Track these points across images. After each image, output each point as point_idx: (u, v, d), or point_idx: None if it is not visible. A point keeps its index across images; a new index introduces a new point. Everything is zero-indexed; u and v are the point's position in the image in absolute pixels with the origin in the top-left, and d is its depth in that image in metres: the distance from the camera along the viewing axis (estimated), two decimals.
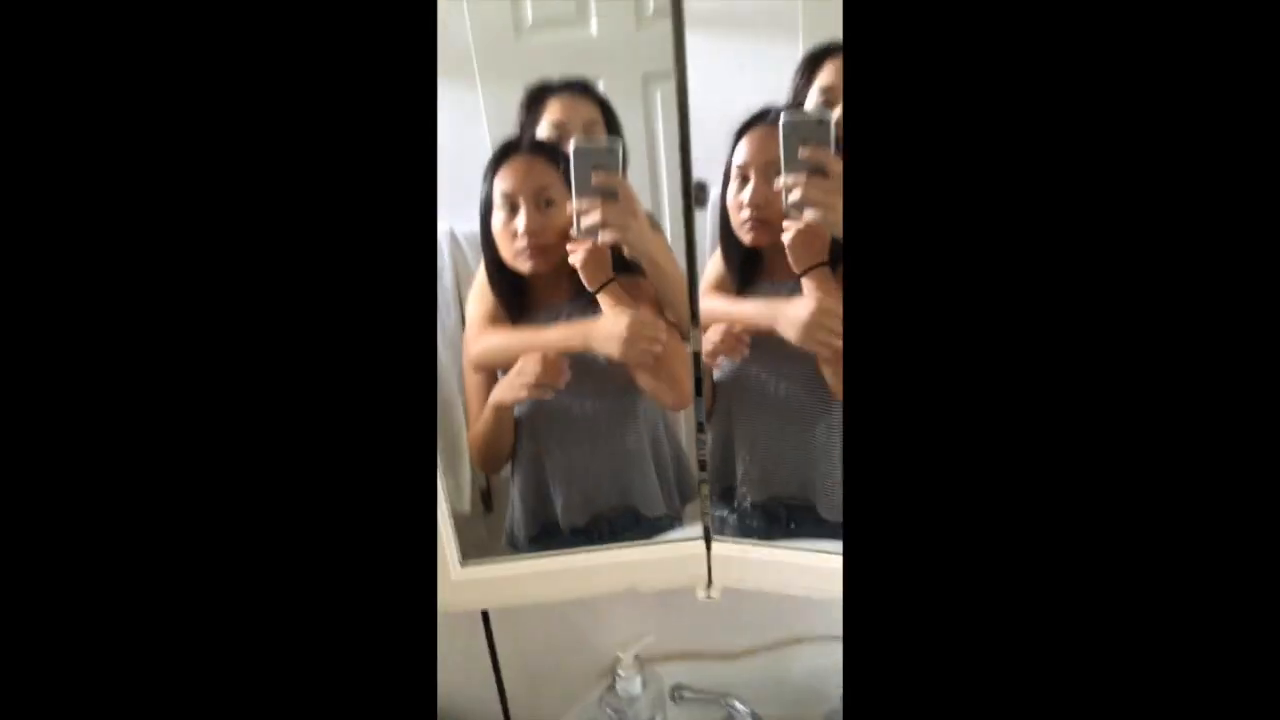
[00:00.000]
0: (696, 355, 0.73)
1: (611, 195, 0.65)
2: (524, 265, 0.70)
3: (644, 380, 0.73)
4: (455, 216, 0.72)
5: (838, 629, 0.87)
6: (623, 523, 0.78)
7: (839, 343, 0.66)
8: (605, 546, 0.77)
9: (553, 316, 0.73)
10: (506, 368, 0.74)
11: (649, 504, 0.77)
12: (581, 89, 0.71)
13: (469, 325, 0.75)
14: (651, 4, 0.66)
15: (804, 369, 0.70)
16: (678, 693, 0.89)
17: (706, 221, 0.70)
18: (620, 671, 0.84)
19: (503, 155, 0.70)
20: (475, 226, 0.72)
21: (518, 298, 0.73)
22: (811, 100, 0.65)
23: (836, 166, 0.61)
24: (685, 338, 0.72)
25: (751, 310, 0.71)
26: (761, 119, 0.66)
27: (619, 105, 0.69)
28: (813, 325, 0.67)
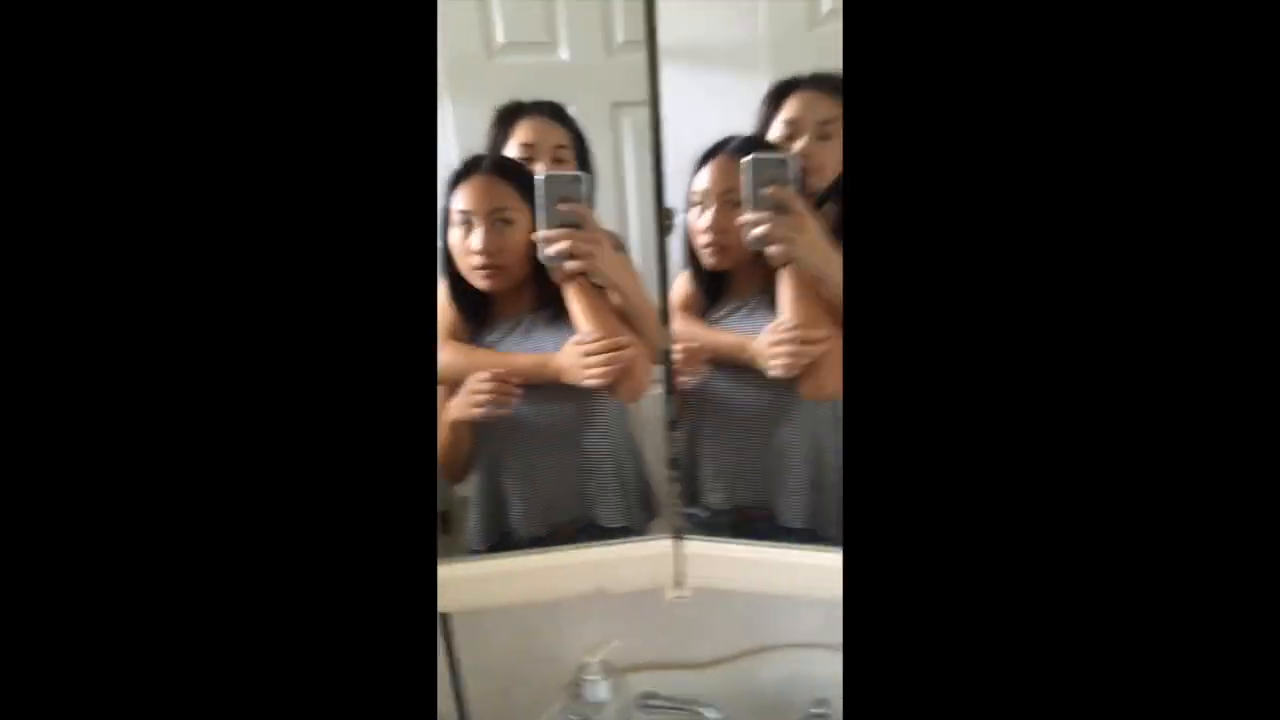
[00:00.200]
0: (667, 353, 0.74)
1: (577, 224, 0.67)
2: (481, 283, 0.71)
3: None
4: None
5: (806, 636, 0.90)
6: (583, 535, 0.79)
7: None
8: (572, 546, 0.78)
9: (513, 327, 0.74)
10: (463, 382, 0.74)
11: (608, 515, 0.78)
12: (553, 112, 0.72)
13: None
14: (621, 34, 0.67)
15: (762, 376, 0.72)
16: (646, 701, 0.91)
17: (675, 245, 0.72)
18: (587, 677, 0.85)
19: (464, 173, 0.70)
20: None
21: (478, 310, 0.74)
22: (775, 131, 0.67)
23: (798, 203, 0.63)
24: (652, 356, 0.74)
25: (725, 341, 0.73)
26: (721, 149, 0.68)
27: (588, 131, 0.70)
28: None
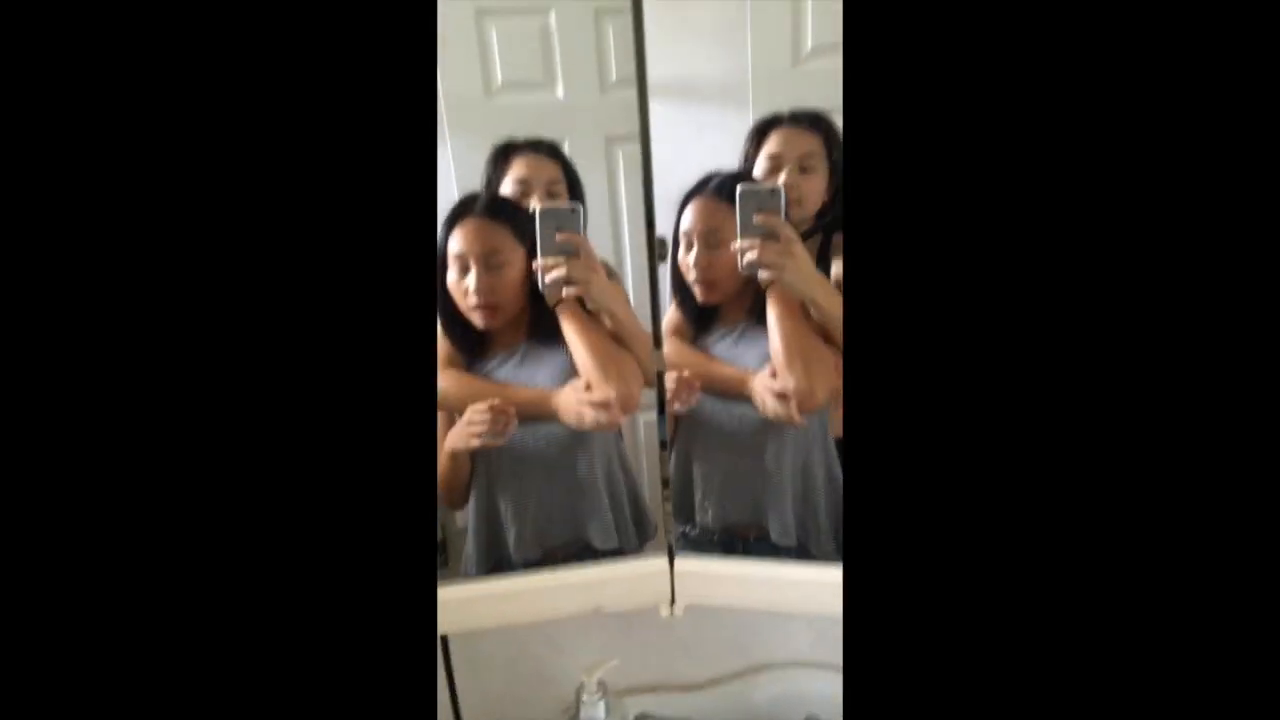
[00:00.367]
0: (660, 374, 0.77)
1: (574, 253, 0.70)
2: (479, 322, 0.74)
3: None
4: None
5: (799, 655, 0.91)
6: (578, 557, 0.80)
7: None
8: (567, 566, 0.79)
9: (509, 356, 0.77)
10: (462, 410, 0.76)
11: (602, 537, 0.80)
12: (545, 149, 0.75)
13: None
14: (615, 72, 0.71)
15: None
16: None
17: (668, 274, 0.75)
18: (584, 697, 0.86)
19: (459, 213, 0.73)
20: None
21: (474, 344, 0.76)
22: (759, 165, 0.71)
23: (787, 230, 0.67)
24: (647, 379, 0.76)
25: (724, 373, 0.76)
26: (702, 188, 0.72)
27: (583, 165, 0.74)
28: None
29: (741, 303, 0.74)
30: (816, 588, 0.75)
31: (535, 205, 0.72)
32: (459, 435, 0.75)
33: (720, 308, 0.75)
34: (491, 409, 0.73)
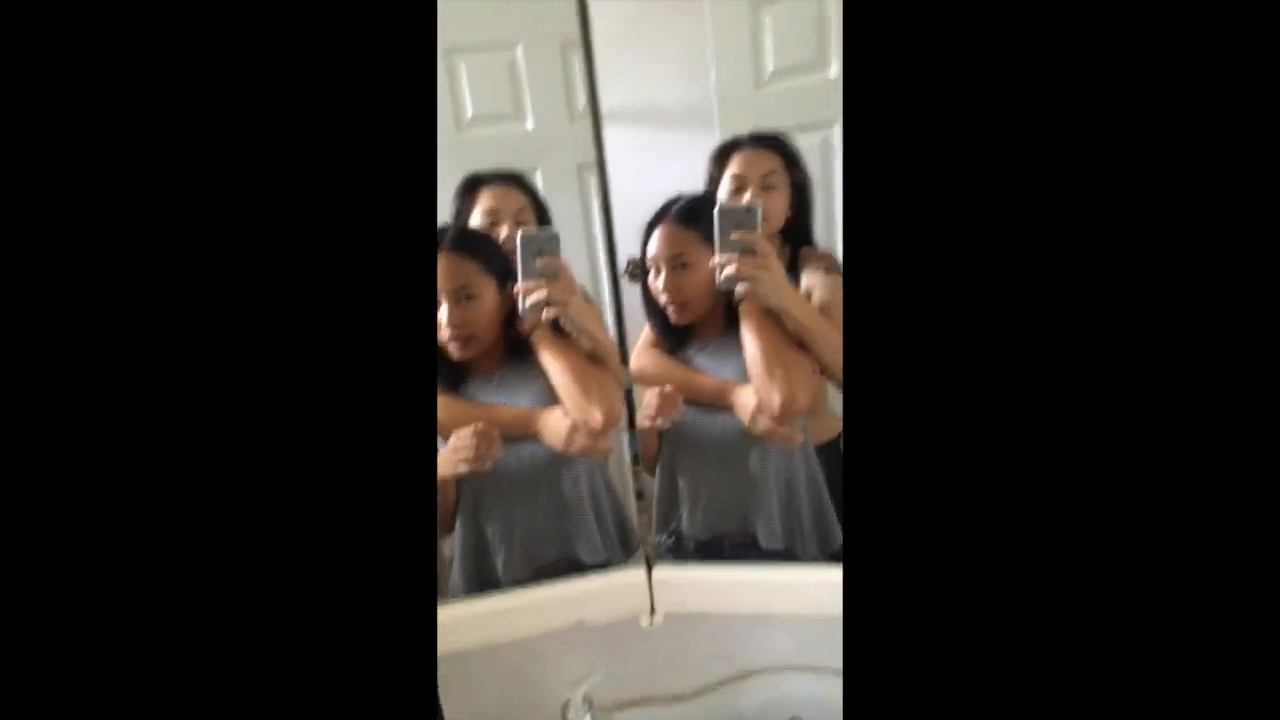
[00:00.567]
0: (629, 391, 0.80)
1: (553, 276, 0.73)
2: (455, 353, 0.76)
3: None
4: None
5: (784, 660, 0.93)
6: (565, 575, 0.81)
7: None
8: (547, 582, 0.80)
9: (486, 381, 0.79)
10: (445, 435, 0.77)
11: (590, 550, 0.81)
12: (511, 180, 0.78)
13: None
14: (582, 102, 0.75)
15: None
16: None
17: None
18: (570, 713, 0.86)
19: None
20: None
21: (450, 372, 0.78)
22: (724, 185, 0.74)
23: (763, 245, 0.70)
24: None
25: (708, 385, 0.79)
26: (664, 215, 0.75)
27: (555, 191, 0.77)
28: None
29: (714, 319, 0.77)
30: (796, 589, 0.78)
31: (505, 234, 0.75)
32: (444, 462, 0.76)
33: (694, 326, 0.78)
34: (475, 434, 0.74)
